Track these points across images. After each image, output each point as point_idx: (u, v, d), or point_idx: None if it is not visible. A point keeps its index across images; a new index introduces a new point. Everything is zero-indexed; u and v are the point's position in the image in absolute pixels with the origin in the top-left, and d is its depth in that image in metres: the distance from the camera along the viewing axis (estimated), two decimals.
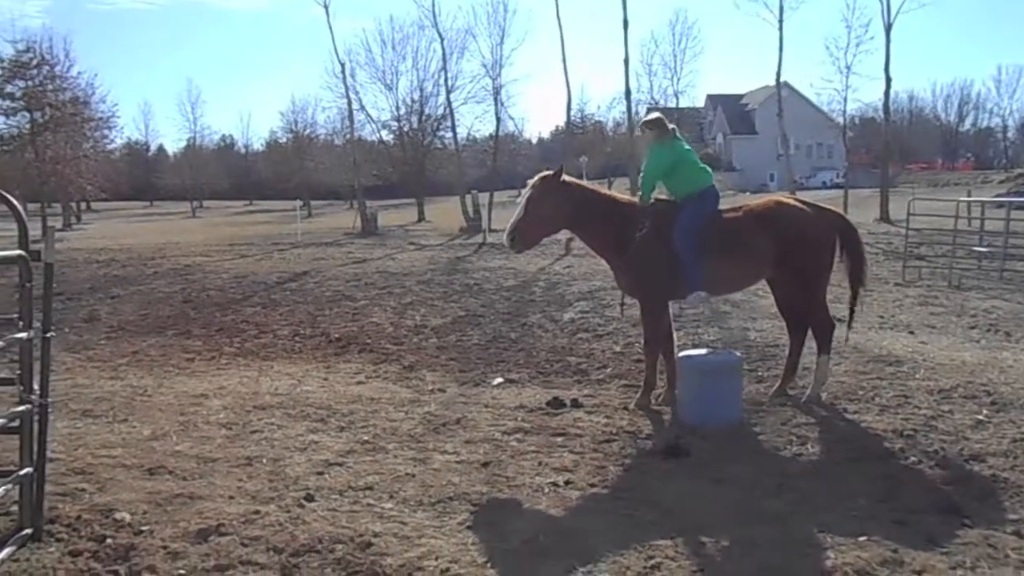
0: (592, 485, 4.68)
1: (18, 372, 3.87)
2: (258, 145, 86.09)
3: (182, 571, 3.58)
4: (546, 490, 4.59)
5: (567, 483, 4.69)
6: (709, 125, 74.49)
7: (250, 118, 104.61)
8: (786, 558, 3.66)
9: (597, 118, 68.24)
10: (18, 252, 3.68)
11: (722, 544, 3.82)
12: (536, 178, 6.43)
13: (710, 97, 71.83)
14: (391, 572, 3.52)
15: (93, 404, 6.52)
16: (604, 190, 6.90)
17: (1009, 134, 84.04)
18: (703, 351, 6.49)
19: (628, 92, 30.41)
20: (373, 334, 9.97)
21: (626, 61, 29.16)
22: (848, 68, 34.16)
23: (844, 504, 4.31)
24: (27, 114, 40.57)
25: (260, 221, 46.41)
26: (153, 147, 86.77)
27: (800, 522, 4.07)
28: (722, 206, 6.71)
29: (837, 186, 50.62)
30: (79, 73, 43.44)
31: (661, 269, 6.25)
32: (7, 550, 3.61)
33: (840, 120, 38.84)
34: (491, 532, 3.98)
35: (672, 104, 47.29)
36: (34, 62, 40.80)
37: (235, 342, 9.79)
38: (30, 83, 40.43)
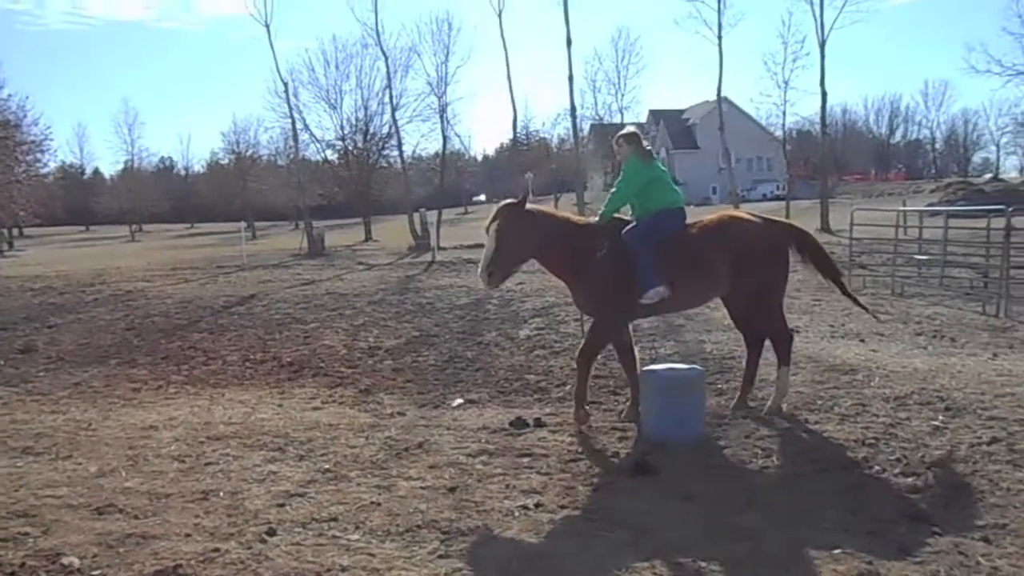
0: (563, 507, 4.60)
1: None
2: (199, 167, 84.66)
3: None
4: (516, 514, 4.49)
5: (537, 506, 4.60)
6: (652, 140, 75.53)
7: (190, 140, 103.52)
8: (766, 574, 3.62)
9: (542, 135, 68.79)
10: None
11: (699, 564, 3.77)
12: (500, 205, 6.34)
13: (652, 112, 72.92)
14: None
15: (34, 440, 6.21)
16: (562, 213, 6.83)
17: (937, 145, 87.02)
18: (664, 366, 6.46)
19: (573, 108, 30.81)
20: (326, 357, 9.76)
21: (570, 78, 29.57)
22: (786, 83, 35.21)
23: (814, 517, 4.31)
24: None
25: (203, 244, 45.51)
26: (89, 170, 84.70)
27: (773, 537, 4.05)
28: None
29: (777, 198, 51.82)
30: (9, 96, 42.00)
31: (619, 287, 6.18)
32: None
33: (779, 133, 39.82)
34: (464, 561, 3.86)
35: (616, 120, 47.85)
36: None
37: (183, 370, 9.48)
38: None
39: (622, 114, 50.15)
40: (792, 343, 6.63)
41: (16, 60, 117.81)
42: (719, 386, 7.41)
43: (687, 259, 6.24)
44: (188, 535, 4.27)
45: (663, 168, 6.64)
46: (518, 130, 40.14)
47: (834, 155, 36.21)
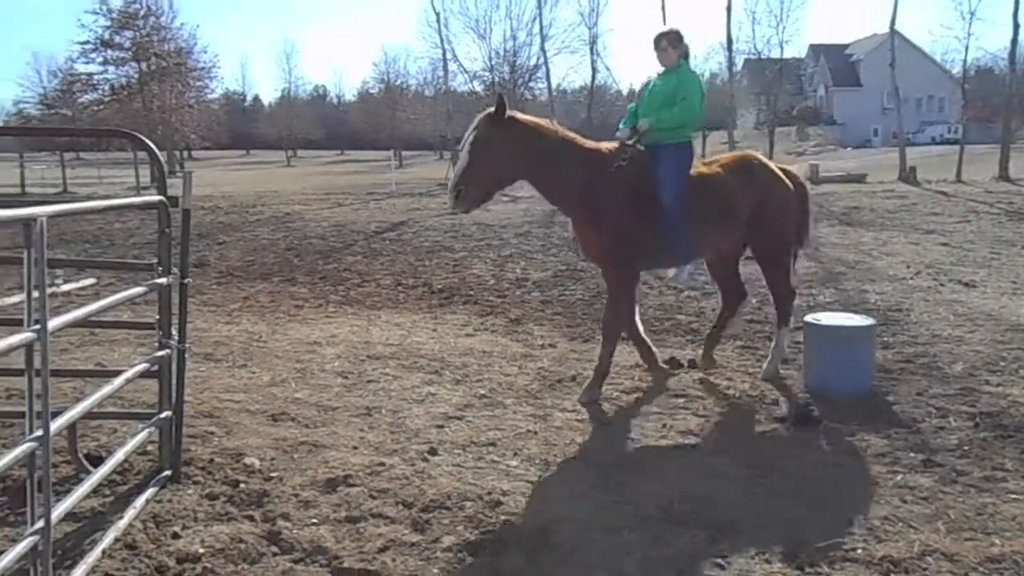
0: (721, 450, 4.49)
1: (157, 317, 3.91)
2: (350, 96, 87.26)
3: (315, 520, 3.58)
4: (673, 454, 4.42)
5: (694, 447, 4.51)
6: (810, 77, 71.30)
7: (344, 70, 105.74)
8: (951, 540, 3.40)
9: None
10: (159, 198, 3.67)
11: (872, 522, 3.58)
12: (481, 115, 5.25)
13: (812, 47, 68.49)
14: (525, 534, 3.43)
15: (213, 348, 6.66)
16: (565, 130, 5.57)
17: None
18: (832, 315, 6.13)
19: (729, 41, 29.38)
20: (475, 286, 9.92)
21: (728, 8, 28.17)
22: (972, 14, 31.97)
23: (999, 486, 3.99)
24: (135, 64, 41.92)
25: (353, 171, 47.09)
26: (249, 97, 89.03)
27: (955, 501, 3.79)
28: None
29: (948, 141, 47.87)
30: (182, 24, 44.69)
31: (637, 232, 5.34)
32: (151, 490, 3.68)
33: (957, 70, 36.52)
34: (622, 496, 3.84)
35: (775, 54, 45.29)
36: (141, 13, 42.00)
37: (340, 290, 9.89)
38: (137, 33, 41.69)
39: (782, 48, 47.20)
40: (794, 302, 6.19)
41: None
42: (885, 339, 6.98)
43: (712, 207, 5.54)
44: (355, 448, 4.46)
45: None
46: None
47: (1020, 95, 32.79)
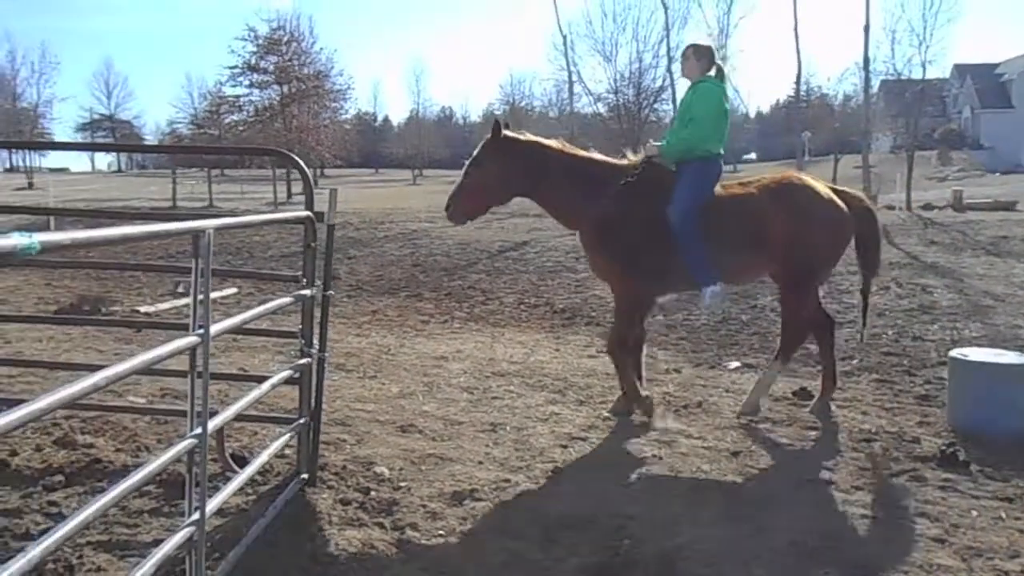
0: (856, 488, 4.28)
1: (299, 327, 4.10)
2: (475, 117, 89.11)
3: (441, 532, 3.65)
4: (806, 488, 4.25)
5: (829, 482, 4.32)
6: (954, 98, 67.41)
7: (470, 92, 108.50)
8: None
9: (824, 91, 63.80)
10: (307, 213, 3.87)
11: None
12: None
13: (957, 67, 64.75)
14: (651, 560, 3.38)
15: (344, 359, 6.93)
16: (570, 147, 5.57)
17: None
18: (981, 351, 5.76)
19: (866, 61, 28.15)
20: (597, 307, 9.90)
21: (866, 28, 27.00)
22: None
23: None
24: (277, 87, 44.32)
25: None
26: (380, 118, 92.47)
27: None
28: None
29: None
30: (320, 49, 46.87)
31: (645, 250, 5.20)
32: (289, 492, 3.86)
33: None
34: (751, 528, 3.73)
35: (915, 75, 43.16)
36: (284, 39, 44.41)
37: (464, 307, 10.10)
38: (280, 59, 44.10)
39: (924, 68, 45.02)
40: (801, 343, 5.72)
41: (326, 16, 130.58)
42: None
43: (734, 228, 5.22)
44: (480, 462, 4.53)
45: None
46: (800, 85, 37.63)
47: None
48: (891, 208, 25.79)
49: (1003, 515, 3.94)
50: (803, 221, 5.27)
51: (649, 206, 5.21)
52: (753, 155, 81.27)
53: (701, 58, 5.43)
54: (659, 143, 5.44)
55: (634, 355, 5.56)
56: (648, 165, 5.36)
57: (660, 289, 5.57)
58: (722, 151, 5.47)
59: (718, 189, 5.42)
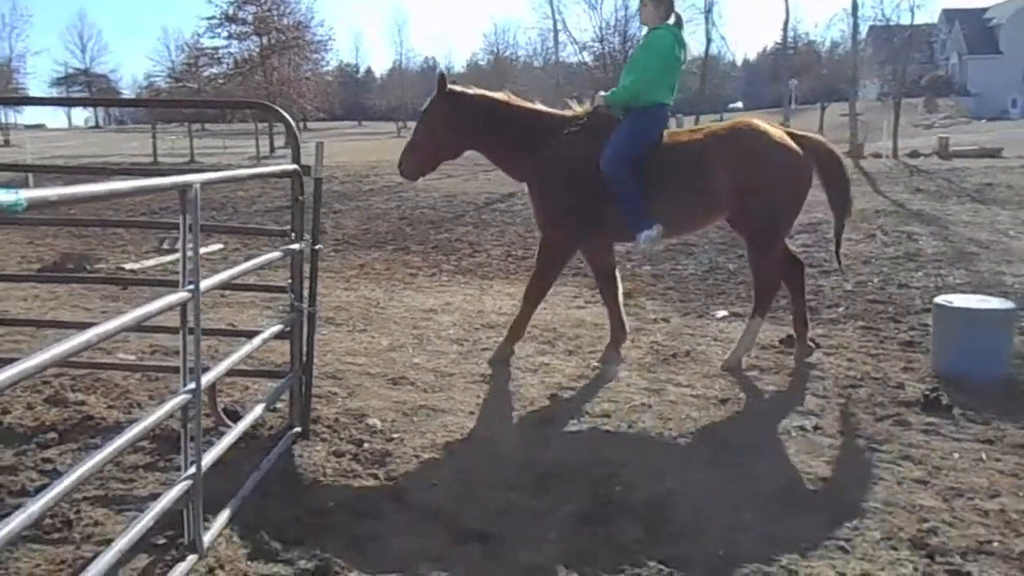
0: (843, 432, 4.36)
1: (288, 281, 4.09)
2: (459, 67, 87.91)
3: (435, 482, 3.69)
4: (792, 434, 4.32)
5: (815, 428, 4.39)
6: (941, 44, 66.99)
7: (454, 42, 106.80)
8: None
9: (812, 38, 63.23)
10: (294, 167, 3.83)
11: (1009, 515, 3.41)
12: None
13: (945, 12, 64.32)
14: (641, 506, 3.44)
15: (334, 313, 6.92)
16: (515, 99, 5.58)
17: None
18: (965, 297, 5.82)
19: (855, 6, 27.91)
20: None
21: None
22: None
23: None
24: (256, 38, 43.54)
25: None
26: (362, 69, 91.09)
27: None
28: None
29: None
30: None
31: (573, 199, 5.24)
32: (283, 445, 3.89)
33: None
34: (739, 474, 3.80)
35: (904, 20, 42.81)
36: None
37: (452, 260, 10.08)
38: (259, 8, 43.22)
39: (912, 13, 44.55)
40: (775, 294, 5.62)
41: None
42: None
43: (677, 176, 5.19)
44: (472, 413, 4.58)
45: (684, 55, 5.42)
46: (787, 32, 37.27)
47: None
48: (877, 156, 25.83)
49: (984, 456, 4.03)
50: (753, 167, 5.15)
51: (588, 155, 5.20)
52: (739, 103, 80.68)
53: (659, 5, 5.34)
54: (605, 93, 5.42)
55: (609, 286, 5.70)
56: (594, 115, 5.35)
57: (594, 237, 5.52)
58: (669, 101, 5.41)
59: (665, 137, 5.36)
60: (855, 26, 28.52)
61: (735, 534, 3.23)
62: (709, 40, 34.59)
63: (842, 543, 3.17)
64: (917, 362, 5.63)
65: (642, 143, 5.20)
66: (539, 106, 5.66)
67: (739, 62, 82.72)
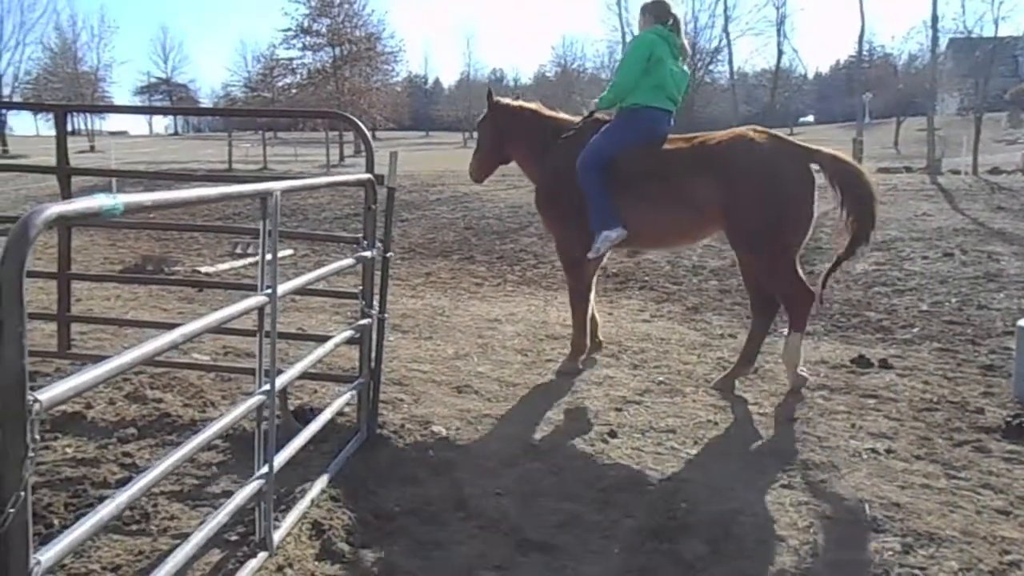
0: (918, 457, 4.22)
1: (359, 288, 4.17)
2: (526, 79, 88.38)
3: (498, 491, 3.70)
4: (864, 456, 4.21)
5: (888, 451, 4.26)
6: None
7: (522, 55, 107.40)
8: None
9: (887, 50, 61.63)
10: (368, 176, 3.91)
11: None
12: None
13: None
14: (706, 523, 3.39)
15: (400, 320, 7.02)
16: (540, 107, 5.95)
17: None
18: None
19: (935, 18, 27.11)
20: (651, 272, 9.84)
21: None
22: None
23: None
24: (330, 49, 44.57)
25: None
26: (430, 80, 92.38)
27: None
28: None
29: None
30: (372, 11, 46.99)
31: (569, 204, 5.37)
32: (349, 448, 3.96)
33: None
34: (808, 495, 3.71)
35: (987, 33, 41.40)
36: (336, 1, 44.50)
37: (516, 270, 10.13)
38: (333, 20, 44.24)
39: (996, 25, 43.28)
40: (811, 306, 5.09)
41: None
42: None
43: (654, 184, 5.11)
44: (535, 424, 4.58)
45: (677, 56, 5.40)
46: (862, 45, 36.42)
47: None
48: (956, 172, 24.96)
49: None
50: (742, 178, 4.92)
51: (574, 160, 5.33)
52: (811, 117, 79.11)
53: (646, 15, 5.49)
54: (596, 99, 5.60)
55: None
56: (589, 120, 5.55)
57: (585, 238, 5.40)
58: (658, 103, 5.33)
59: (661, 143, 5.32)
60: (934, 39, 27.65)
61: (802, 556, 3.16)
62: (780, 53, 34.00)
63: (916, 571, 3.07)
64: (998, 387, 5.42)
65: (621, 144, 5.26)
66: (559, 114, 5.97)
67: (811, 75, 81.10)
